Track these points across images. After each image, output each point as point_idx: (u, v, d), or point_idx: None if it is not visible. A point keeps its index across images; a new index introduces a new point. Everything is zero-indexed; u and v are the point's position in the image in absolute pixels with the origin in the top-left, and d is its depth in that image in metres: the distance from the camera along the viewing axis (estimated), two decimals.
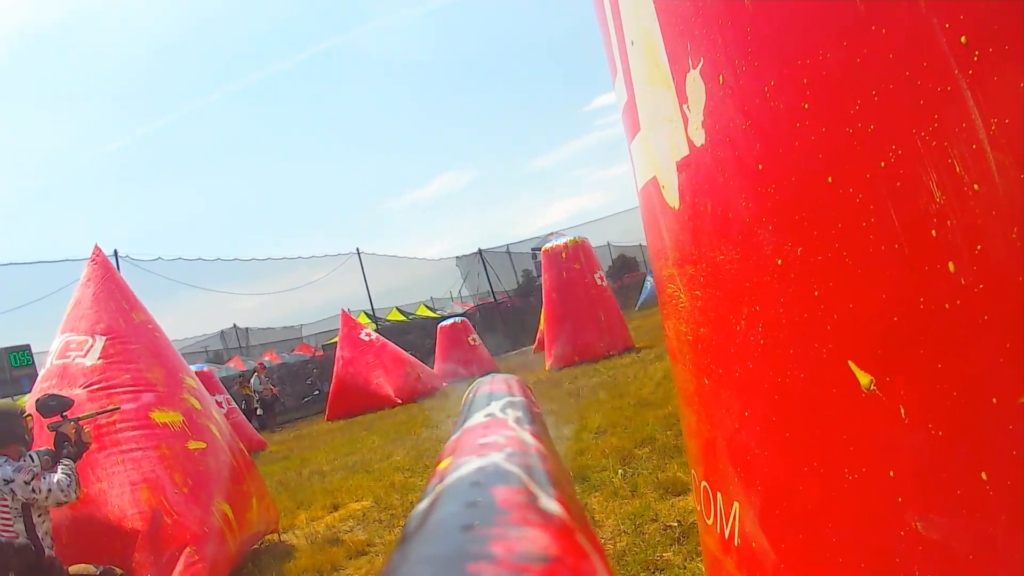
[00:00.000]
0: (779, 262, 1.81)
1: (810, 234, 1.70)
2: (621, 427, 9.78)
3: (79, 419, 6.38)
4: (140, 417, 7.30)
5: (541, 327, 24.81)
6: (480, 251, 51.50)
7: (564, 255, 20.70)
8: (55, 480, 5.75)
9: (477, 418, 1.51)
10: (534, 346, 29.81)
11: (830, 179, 1.62)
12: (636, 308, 39.99)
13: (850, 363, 1.65)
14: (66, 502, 5.87)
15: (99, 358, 7.68)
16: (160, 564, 6.36)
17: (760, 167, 1.82)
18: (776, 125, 1.75)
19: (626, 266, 56.39)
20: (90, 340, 7.86)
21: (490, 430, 1.33)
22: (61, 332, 8.14)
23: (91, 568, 6.07)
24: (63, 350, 7.85)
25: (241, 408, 27.90)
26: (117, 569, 6.22)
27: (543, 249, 21.90)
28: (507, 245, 55.26)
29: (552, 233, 27.23)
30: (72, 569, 5.97)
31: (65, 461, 5.97)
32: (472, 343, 28.79)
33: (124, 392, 7.44)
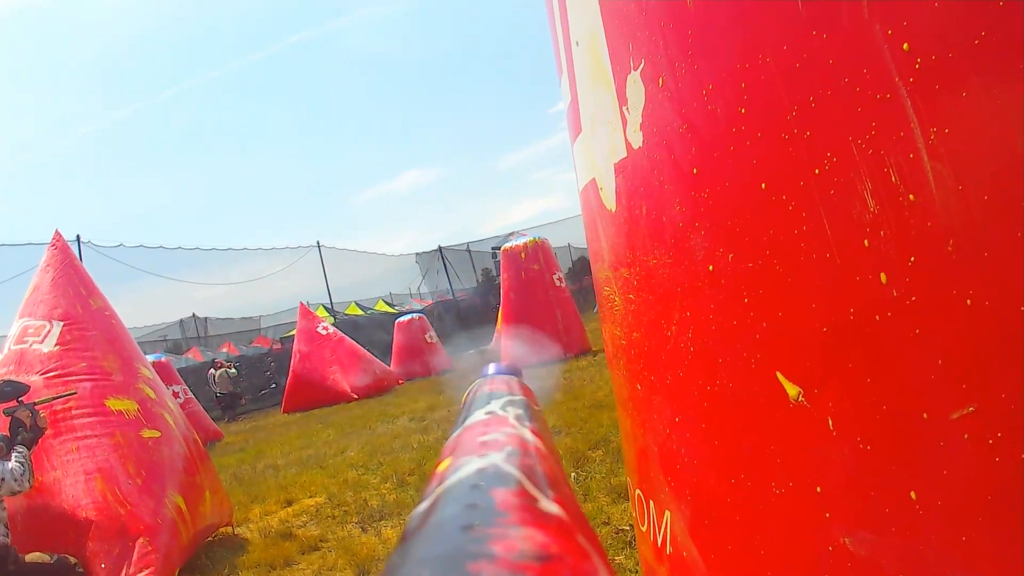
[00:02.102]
0: (710, 268, 1.78)
1: (741, 240, 1.68)
2: (576, 429, 9.81)
3: (35, 404, 6.33)
4: (95, 404, 7.27)
5: (499, 326, 24.84)
6: (440, 248, 51.61)
7: (523, 255, 20.70)
8: (8, 468, 5.73)
9: (477, 416, 1.49)
10: (491, 345, 29.90)
11: (763, 185, 1.59)
12: (594, 311, 40.18)
13: (778, 373, 1.62)
14: (19, 491, 5.84)
15: (56, 344, 7.65)
16: (113, 555, 6.33)
17: (695, 171, 1.80)
18: (712, 129, 1.73)
19: (586, 268, 56.65)
20: (48, 326, 7.82)
21: (490, 428, 1.31)
22: (19, 317, 8.10)
23: (45, 557, 6.06)
24: (21, 335, 7.81)
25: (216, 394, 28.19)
26: (71, 558, 6.21)
27: (503, 248, 21.92)
28: (467, 243, 55.46)
29: (513, 233, 27.29)
30: (27, 557, 5.95)
31: (19, 448, 5.94)
32: (429, 340, 28.85)
33: (80, 379, 7.40)
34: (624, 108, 2.07)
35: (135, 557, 6.33)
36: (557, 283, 20.84)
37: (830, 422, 1.52)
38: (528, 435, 1.28)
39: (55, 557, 6.08)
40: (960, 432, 1.31)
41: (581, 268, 56.06)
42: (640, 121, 1.99)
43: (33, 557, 5.97)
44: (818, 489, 1.57)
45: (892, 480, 1.43)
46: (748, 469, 1.78)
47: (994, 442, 1.27)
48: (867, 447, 1.46)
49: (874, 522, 1.47)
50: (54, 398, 6.88)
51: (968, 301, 1.27)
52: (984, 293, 1.25)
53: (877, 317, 1.40)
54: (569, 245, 56.83)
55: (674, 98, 1.84)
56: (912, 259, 1.33)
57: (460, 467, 1.00)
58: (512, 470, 0.99)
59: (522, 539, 0.74)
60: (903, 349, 1.37)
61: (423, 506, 0.89)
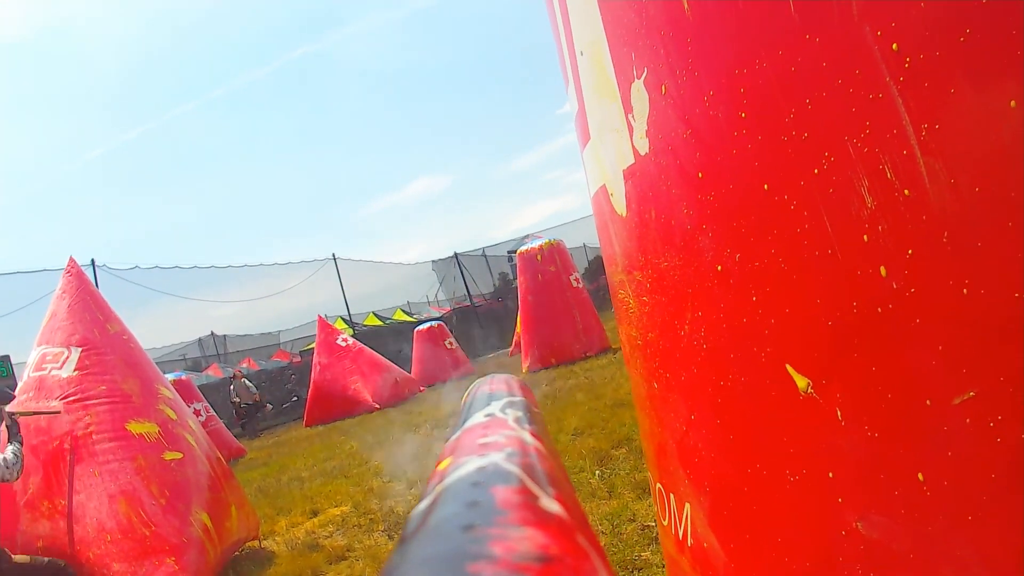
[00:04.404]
0: (719, 268, 1.83)
1: (747, 240, 1.72)
2: (598, 428, 9.76)
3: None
4: (116, 428, 7.26)
5: (518, 330, 24.76)
6: (456, 255, 51.42)
7: (539, 257, 20.66)
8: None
9: (477, 418, 1.50)
10: (511, 349, 29.78)
11: (766, 186, 1.64)
12: (612, 310, 39.86)
13: (788, 367, 1.67)
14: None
15: (75, 370, 7.63)
16: None
17: (700, 175, 1.84)
18: (715, 134, 1.77)
19: (602, 267, 55.82)
20: (66, 352, 7.81)
21: (490, 430, 1.33)
22: (37, 344, 8.10)
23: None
24: (39, 362, 7.81)
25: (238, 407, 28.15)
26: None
27: (519, 252, 21.85)
28: (483, 248, 55.21)
29: (528, 236, 27.14)
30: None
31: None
32: (449, 347, 28.76)
33: (100, 403, 7.40)
34: (630, 116, 2.11)
35: None
36: (574, 284, 20.77)
37: (838, 411, 1.56)
38: (527, 437, 1.31)
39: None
40: (962, 416, 1.35)
41: (597, 268, 55.51)
42: (646, 128, 2.03)
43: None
44: (830, 475, 1.62)
45: (900, 465, 1.47)
46: (762, 459, 1.82)
47: (995, 425, 1.32)
48: (874, 434, 1.50)
49: (884, 505, 1.51)
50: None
51: (964, 290, 1.32)
52: (979, 282, 1.30)
53: (879, 309, 1.45)
54: (584, 245, 56.33)
55: (677, 105, 1.88)
56: (910, 252, 1.38)
57: (461, 465, 1.04)
58: (513, 468, 1.02)
59: (522, 540, 0.76)
60: (905, 339, 1.42)
61: (423, 504, 0.93)
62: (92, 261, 29.55)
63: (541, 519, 0.85)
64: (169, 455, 7.43)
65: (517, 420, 1.47)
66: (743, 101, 1.66)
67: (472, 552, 0.72)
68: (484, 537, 0.75)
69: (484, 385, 1.99)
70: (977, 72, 1.27)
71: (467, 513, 0.84)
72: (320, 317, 27.33)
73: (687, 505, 2.23)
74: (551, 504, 0.93)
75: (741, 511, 1.94)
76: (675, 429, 2.23)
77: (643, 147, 2.07)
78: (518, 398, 1.73)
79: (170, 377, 15.99)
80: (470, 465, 1.04)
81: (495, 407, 1.59)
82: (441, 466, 1.10)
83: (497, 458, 1.06)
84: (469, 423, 1.49)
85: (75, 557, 6.44)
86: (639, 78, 2.02)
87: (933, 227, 1.34)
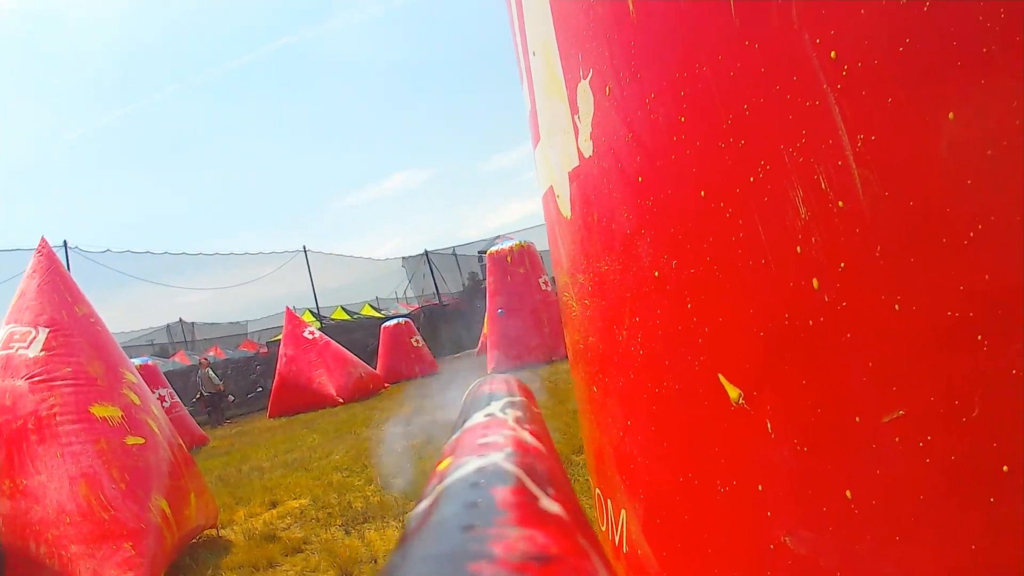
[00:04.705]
0: (656, 274, 1.81)
1: (684, 247, 1.71)
2: (560, 433, 9.76)
3: None
4: (80, 411, 7.25)
5: (485, 330, 24.79)
6: (426, 252, 51.38)
7: (509, 259, 20.68)
8: None
9: (477, 418, 1.49)
10: (477, 349, 29.81)
11: (703, 193, 1.62)
12: None
13: (720, 376, 1.65)
14: None
15: (42, 350, 7.64)
16: (97, 558, 6.32)
17: (640, 179, 1.83)
18: (655, 138, 1.76)
19: None
20: (33, 332, 7.82)
21: (490, 430, 1.31)
22: (6, 323, 8.11)
23: None
24: (7, 341, 7.82)
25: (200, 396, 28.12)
26: None
27: (489, 252, 21.86)
28: (453, 247, 55.24)
29: (499, 236, 27.18)
30: None
31: None
32: (415, 344, 28.81)
33: (65, 385, 7.41)
34: (576, 117, 2.10)
35: (118, 560, 6.31)
36: (543, 287, 20.78)
37: (769, 424, 1.55)
38: (527, 437, 1.29)
39: None
40: (891, 435, 1.34)
41: None
42: (590, 130, 2.02)
43: None
44: (760, 488, 1.60)
45: (828, 481, 1.45)
46: (695, 469, 1.81)
47: (924, 444, 1.30)
48: (804, 448, 1.49)
49: (812, 521, 1.50)
50: None
51: (896, 306, 1.30)
52: (912, 298, 1.28)
53: (810, 322, 1.43)
54: None
55: (619, 107, 1.87)
56: (842, 265, 1.36)
57: (460, 466, 1.02)
58: (512, 468, 1.00)
59: (523, 539, 0.74)
60: (835, 353, 1.41)
61: (423, 504, 0.91)
62: (64, 243, 29.58)
63: (541, 519, 0.84)
64: (131, 440, 7.42)
65: (517, 420, 1.46)
66: (683, 105, 1.65)
67: (472, 551, 0.71)
68: (484, 536, 0.74)
69: (484, 385, 1.99)
70: (915, 82, 1.25)
71: (467, 514, 0.83)
72: (288, 309, 27.29)
73: (623, 511, 2.22)
74: (551, 504, 0.92)
75: (674, 520, 1.93)
76: (612, 435, 2.22)
77: (587, 149, 2.06)
78: (518, 398, 1.73)
79: (136, 362, 15.94)
80: (470, 466, 1.02)
81: (495, 407, 1.59)
82: (441, 466, 1.09)
83: (497, 458, 1.05)
84: (469, 423, 1.48)
85: (34, 537, 6.42)
86: (585, 79, 2.01)
87: (866, 240, 1.33)
